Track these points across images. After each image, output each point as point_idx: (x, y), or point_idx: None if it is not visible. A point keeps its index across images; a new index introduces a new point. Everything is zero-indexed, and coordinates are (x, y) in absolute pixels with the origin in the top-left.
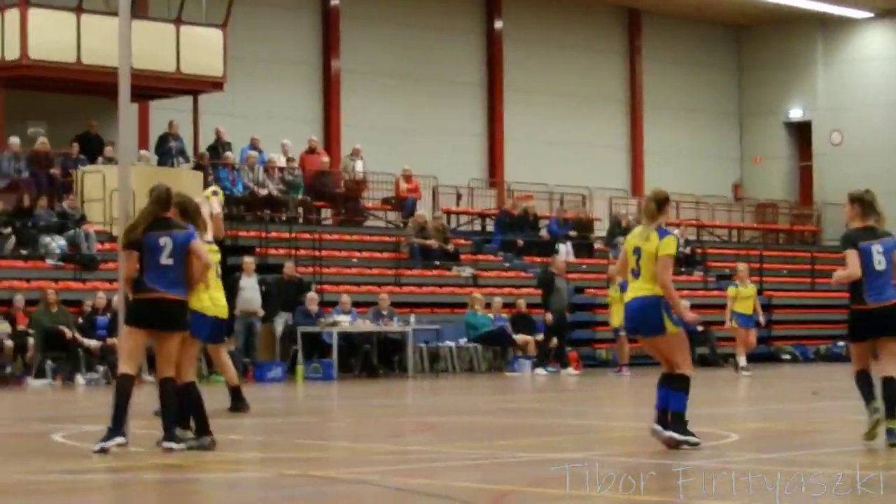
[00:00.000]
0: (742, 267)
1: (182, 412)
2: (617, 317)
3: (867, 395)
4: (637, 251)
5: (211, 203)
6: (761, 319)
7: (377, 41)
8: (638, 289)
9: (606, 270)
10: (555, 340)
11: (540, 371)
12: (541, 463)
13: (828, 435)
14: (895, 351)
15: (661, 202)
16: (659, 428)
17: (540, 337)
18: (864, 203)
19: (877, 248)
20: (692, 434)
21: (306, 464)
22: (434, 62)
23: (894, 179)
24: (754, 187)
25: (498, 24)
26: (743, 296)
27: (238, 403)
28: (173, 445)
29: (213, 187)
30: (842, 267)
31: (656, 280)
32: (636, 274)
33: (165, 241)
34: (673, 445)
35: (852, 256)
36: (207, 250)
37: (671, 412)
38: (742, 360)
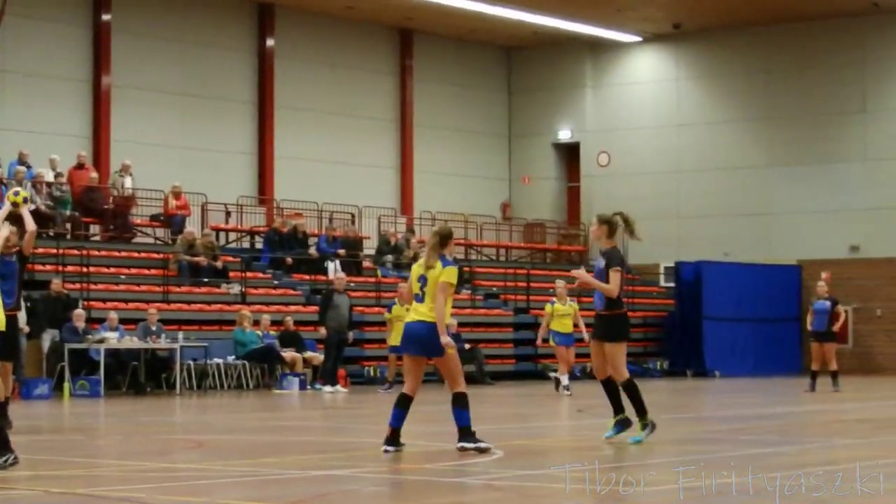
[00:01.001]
0: (560, 284)
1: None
2: (395, 335)
3: (618, 405)
4: (422, 279)
5: (24, 216)
6: (585, 336)
7: (148, 57)
8: (422, 313)
9: (375, 288)
10: (319, 357)
11: (328, 388)
12: (307, 480)
13: (593, 452)
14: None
15: (445, 237)
16: (466, 444)
17: (308, 354)
18: (611, 225)
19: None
20: (481, 441)
21: (72, 482)
22: (205, 79)
23: (659, 200)
24: (522, 207)
25: (269, 42)
26: (560, 313)
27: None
28: None
29: (23, 192)
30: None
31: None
32: (420, 299)
33: None
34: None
35: (619, 274)
36: None
37: (459, 427)
38: (564, 379)
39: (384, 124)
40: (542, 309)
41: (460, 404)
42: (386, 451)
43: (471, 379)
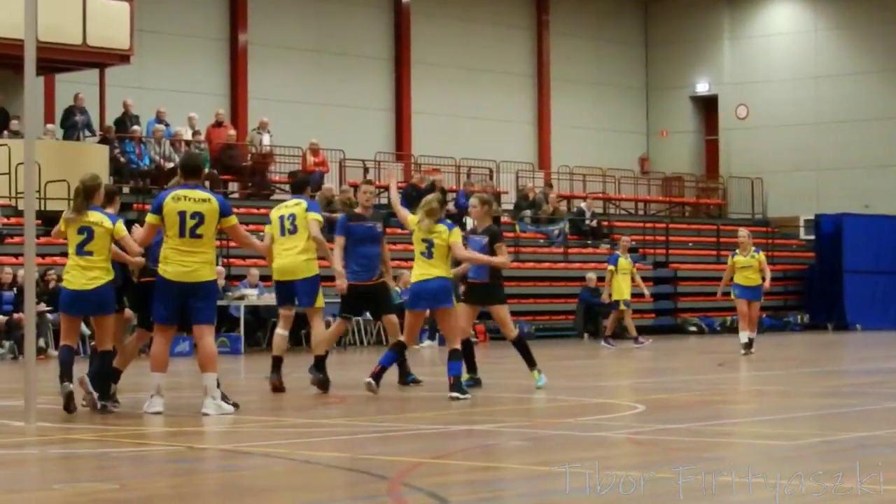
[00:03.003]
0: (743, 234)
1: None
2: (619, 290)
3: (473, 365)
4: (428, 241)
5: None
6: (766, 288)
7: (285, 15)
8: (433, 270)
9: (514, 243)
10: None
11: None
12: (448, 435)
13: (733, 405)
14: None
15: (441, 203)
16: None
17: None
18: (491, 206)
19: None
20: (466, 392)
21: (215, 437)
22: (342, 36)
23: (798, 153)
24: (661, 161)
25: None
26: (742, 265)
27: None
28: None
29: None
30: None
31: (448, 264)
32: (428, 256)
33: None
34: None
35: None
36: None
37: (452, 377)
38: (743, 336)
39: (521, 79)
40: (682, 263)
41: (455, 357)
42: (368, 384)
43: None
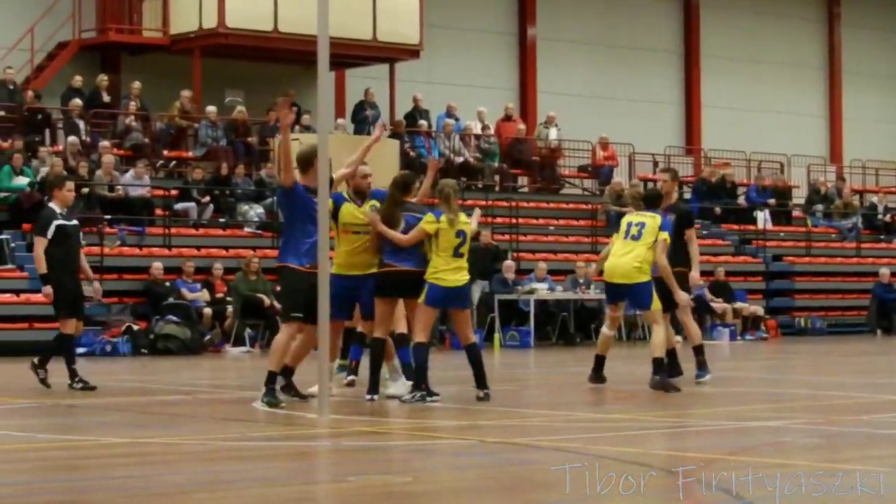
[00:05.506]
0: None
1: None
2: None
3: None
4: (462, 234)
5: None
6: None
7: (573, 9)
8: (466, 273)
9: (805, 237)
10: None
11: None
12: (738, 431)
13: None
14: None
15: (457, 191)
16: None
17: (738, 305)
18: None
19: None
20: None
21: (506, 431)
22: (630, 30)
23: None
24: None
25: None
26: None
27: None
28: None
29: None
30: None
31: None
32: (457, 255)
33: None
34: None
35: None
36: None
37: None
38: None
39: (811, 72)
40: None
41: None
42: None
43: None
